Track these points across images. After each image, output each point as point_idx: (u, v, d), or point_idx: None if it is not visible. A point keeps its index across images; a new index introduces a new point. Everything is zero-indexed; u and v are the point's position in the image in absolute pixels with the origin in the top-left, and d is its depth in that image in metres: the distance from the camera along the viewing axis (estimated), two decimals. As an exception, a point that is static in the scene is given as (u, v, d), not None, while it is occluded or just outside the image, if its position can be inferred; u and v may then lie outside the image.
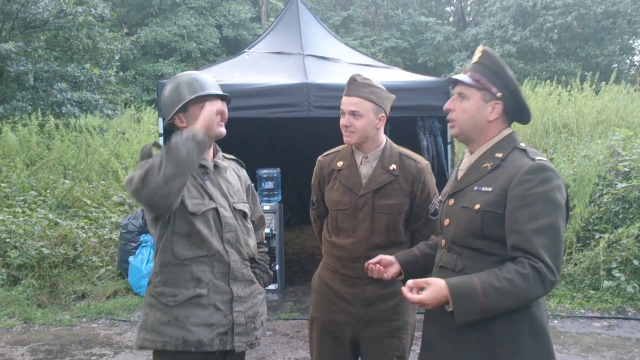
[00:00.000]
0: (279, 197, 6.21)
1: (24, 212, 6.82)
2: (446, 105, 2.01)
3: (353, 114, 2.45)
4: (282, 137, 7.97)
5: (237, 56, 6.53)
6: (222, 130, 2.24)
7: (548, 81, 12.72)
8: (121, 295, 5.88)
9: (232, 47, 21.83)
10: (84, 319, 5.25)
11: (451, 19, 27.35)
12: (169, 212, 2.16)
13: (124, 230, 6.28)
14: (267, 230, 5.91)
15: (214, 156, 2.38)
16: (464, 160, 2.05)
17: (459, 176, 2.02)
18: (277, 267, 5.95)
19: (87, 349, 4.57)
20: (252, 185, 2.57)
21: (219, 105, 2.21)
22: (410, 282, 1.84)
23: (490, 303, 1.74)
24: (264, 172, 6.17)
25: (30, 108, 9.90)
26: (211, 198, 2.24)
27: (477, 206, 1.87)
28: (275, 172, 6.20)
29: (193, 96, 2.21)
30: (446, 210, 2.01)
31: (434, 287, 1.79)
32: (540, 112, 9.61)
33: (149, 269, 5.87)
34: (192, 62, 20.65)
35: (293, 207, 8.26)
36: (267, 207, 5.99)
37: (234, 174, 2.45)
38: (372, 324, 2.51)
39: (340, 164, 2.58)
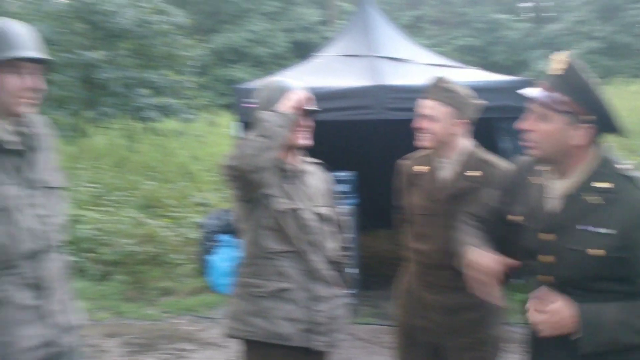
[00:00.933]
0: (355, 201, 6.25)
1: (112, 211, 7.22)
2: (524, 125, 1.80)
3: (428, 117, 2.45)
4: (357, 139, 8.02)
5: (308, 60, 6.63)
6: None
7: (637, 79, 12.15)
8: (202, 292, 6.11)
9: (301, 50, 22.08)
10: (169, 315, 5.51)
11: (527, 15, 26.55)
12: (260, 188, 2.26)
13: (203, 230, 6.53)
14: (342, 234, 5.96)
15: (298, 160, 2.46)
16: (552, 185, 1.83)
17: (550, 205, 1.81)
18: (353, 271, 5.98)
19: (172, 343, 4.80)
20: (336, 190, 2.62)
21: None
22: (539, 293, 1.71)
23: (625, 339, 1.64)
24: (339, 175, 6.22)
25: (116, 113, 10.43)
26: (294, 199, 2.33)
27: (599, 252, 1.67)
28: (350, 175, 6.25)
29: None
30: (544, 246, 1.79)
31: (561, 314, 1.65)
32: (629, 111, 9.18)
33: (228, 268, 6.08)
34: (263, 66, 21.06)
35: (368, 210, 8.27)
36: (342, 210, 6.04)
37: (317, 178, 2.52)
38: (454, 333, 2.48)
39: (420, 168, 2.58)
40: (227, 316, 2.40)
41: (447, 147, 2.50)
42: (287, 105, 2.24)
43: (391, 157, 7.46)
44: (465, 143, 2.54)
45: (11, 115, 1.85)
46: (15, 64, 1.80)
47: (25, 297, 1.86)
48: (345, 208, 5.96)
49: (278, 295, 2.27)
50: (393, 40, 6.62)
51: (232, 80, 19.76)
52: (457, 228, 2.39)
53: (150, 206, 7.94)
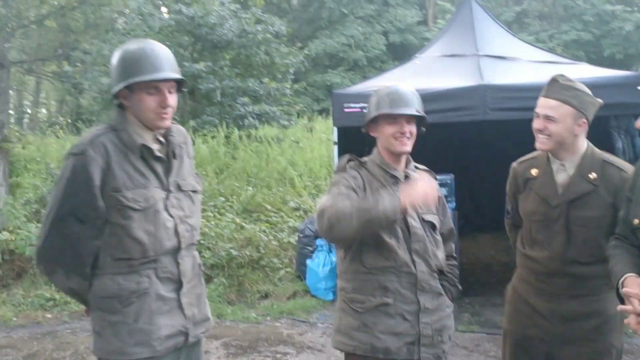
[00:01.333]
0: (453, 204, 6.07)
1: (214, 216, 7.48)
2: None
3: (548, 118, 2.28)
4: (455, 141, 7.80)
5: (408, 62, 6.54)
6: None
7: None
8: (300, 296, 6.17)
9: (399, 53, 21.90)
10: (268, 318, 5.60)
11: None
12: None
13: (301, 235, 6.59)
14: (439, 238, 5.80)
15: (406, 166, 2.39)
16: None
17: None
18: (452, 276, 5.81)
19: (272, 346, 4.86)
20: (443, 197, 2.53)
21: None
22: None
23: None
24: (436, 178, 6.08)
25: (217, 121, 10.83)
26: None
27: None
28: (448, 178, 6.08)
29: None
30: None
31: None
32: None
33: (326, 272, 6.10)
34: (360, 70, 21.12)
35: (467, 214, 8.03)
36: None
37: (425, 184, 2.43)
38: (570, 343, 2.34)
39: (534, 172, 2.42)
40: (334, 329, 2.39)
41: (565, 148, 2.33)
42: (405, 202, 2.09)
43: (492, 159, 7.24)
44: (583, 144, 2.37)
45: (152, 128, 2.07)
46: (153, 85, 1.99)
47: (164, 289, 2.06)
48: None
49: (382, 310, 2.23)
50: (497, 38, 6.39)
51: (329, 86, 19.98)
52: (571, 234, 2.28)
53: (249, 211, 8.15)
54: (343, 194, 2.16)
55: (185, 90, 2.20)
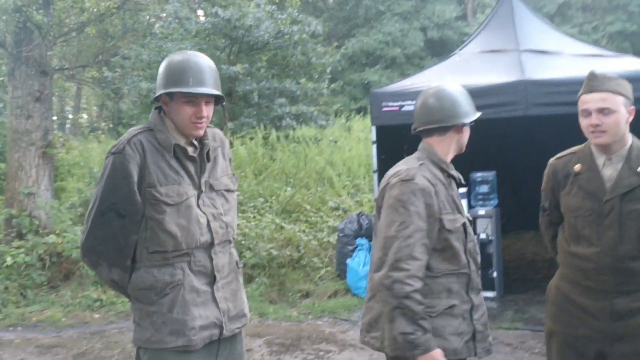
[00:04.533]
0: (495, 201, 5.98)
1: (254, 217, 7.54)
2: None
3: (602, 111, 2.22)
4: (496, 138, 7.68)
5: (448, 59, 6.46)
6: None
7: None
8: (341, 295, 6.18)
9: (437, 48, 21.65)
10: (310, 317, 5.62)
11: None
12: None
13: (341, 234, 6.59)
14: (483, 236, 5.74)
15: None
16: None
17: None
18: (494, 274, 5.73)
19: (314, 344, 4.87)
20: None
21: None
22: None
23: None
24: (478, 175, 6.00)
25: (255, 123, 10.90)
26: (460, 212, 2.28)
27: None
28: (490, 175, 6.00)
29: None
30: None
31: None
32: None
33: (366, 271, 6.08)
34: (397, 67, 20.94)
35: (510, 211, 7.90)
36: (482, 211, 5.82)
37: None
38: (624, 339, 2.27)
39: (578, 167, 2.36)
40: (391, 337, 2.19)
41: (618, 140, 2.28)
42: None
43: (535, 155, 7.09)
44: (629, 136, 2.33)
45: (186, 135, 2.16)
46: (191, 96, 2.09)
47: (198, 282, 2.14)
48: (483, 209, 5.78)
49: (448, 312, 2.22)
50: (538, 32, 6.26)
51: (366, 84, 19.87)
52: (624, 228, 2.23)
53: (289, 211, 8.19)
54: (418, 260, 2.07)
55: (223, 104, 2.27)
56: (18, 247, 6.70)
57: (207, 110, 2.13)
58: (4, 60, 8.47)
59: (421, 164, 2.21)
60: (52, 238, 6.73)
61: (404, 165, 2.23)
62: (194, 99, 2.09)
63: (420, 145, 2.32)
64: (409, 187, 2.13)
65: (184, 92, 2.07)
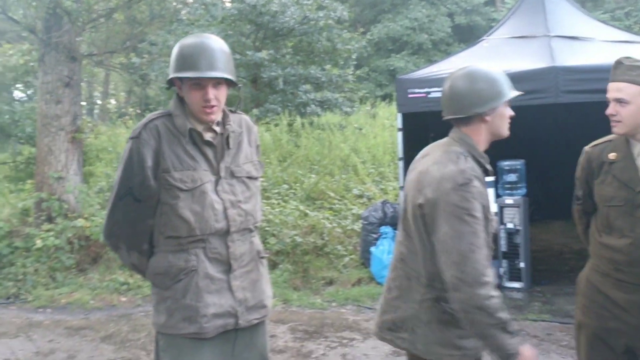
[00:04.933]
0: (524, 191, 5.90)
1: (278, 203, 7.56)
2: None
3: (618, 101, 2.21)
4: (525, 126, 7.52)
5: (475, 45, 6.36)
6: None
7: None
8: (365, 283, 6.17)
9: (465, 34, 21.34)
10: (334, 304, 5.63)
11: None
12: None
13: (365, 222, 6.57)
14: (510, 226, 5.67)
15: None
16: None
17: None
18: (522, 264, 5.67)
19: (338, 332, 4.88)
20: None
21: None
22: None
23: None
24: (506, 164, 5.92)
25: (280, 109, 10.89)
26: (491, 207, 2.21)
27: None
28: (518, 163, 5.92)
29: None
30: None
31: None
32: None
33: (390, 260, 6.05)
34: (424, 53, 20.70)
35: (538, 200, 7.78)
36: (510, 200, 5.75)
37: None
38: None
39: (612, 155, 2.32)
40: (424, 342, 2.09)
41: None
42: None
43: (564, 143, 6.97)
44: None
45: (200, 121, 2.13)
46: (196, 81, 2.06)
47: (212, 269, 2.11)
48: (511, 198, 5.70)
49: None
50: (569, 17, 6.14)
51: (392, 71, 19.69)
52: None
53: (313, 198, 8.19)
54: (490, 267, 1.94)
55: (239, 86, 2.24)
56: (48, 231, 6.82)
57: (216, 94, 2.09)
58: (35, 46, 8.58)
59: (467, 159, 2.03)
60: (80, 222, 6.84)
61: (451, 165, 1.99)
62: (200, 83, 2.06)
63: (456, 135, 2.12)
64: (469, 192, 1.94)
65: (185, 77, 2.06)
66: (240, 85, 2.26)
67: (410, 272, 2.10)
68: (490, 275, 1.93)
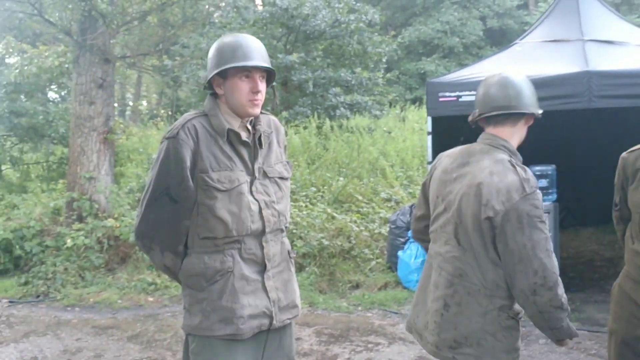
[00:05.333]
0: (554, 196, 5.78)
1: (306, 206, 7.56)
2: None
3: None
4: (557, 130, 7.41)
5: (508, 48, 6.27)
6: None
7: None
8: (391, 287, 6.13)
9: (497, 38, 21.11)
10: (360, 308, 5.60)
11: None
12: None
13: (392, 226, 6.52)
14: (540, 231, 5.57)
15: None
16: None
17: None
18: (552, 271, 5.56)
19: (363, 336, 4.85)
20: None
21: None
22: None
23: None
24: (537, 169, 5.80)
25: (309, 112, 10.91)
26: None
27: None
28: (549, 169, 5.80)
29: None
30: None
31: None
32: None
33: (417, 264, 6.00)
34: (455, 57, 20.54)
35: (568, 206, 7.63)
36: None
37: None
38: None
39: None
40: (495, 353, 2.13)
41: None
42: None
43: (597, 149, 6.82)
44: None
45: (243, 115, 2.15)
46: (245, 71, 2.09)
47: (248, 270, 2.12)
48: (544, 204, 5.60)
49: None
50: (603, 21, 6.01)
51: (422, 74, 19.58)
52: None
53: (340, 201, 8.16)
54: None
55: (274, 83, 2.26)
56: (78, 230, 6.95)
57: (262, 86, 2.13)
58: (69, 48, 8.75)
59: (524, 168, 2.08)
60: (110, 222, 6.94)
61: (512, 174, 2.04)
62: (249, 73, 2.09)
63: (495, 141, 2.15)
64: (537, 199, 2.02)
65: (238, 66, 2.07)
66: (274, 83, 2.32)
67: (471, 286, 2.09)
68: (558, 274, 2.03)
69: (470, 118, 2.24)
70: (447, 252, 2.16)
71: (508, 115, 2.14)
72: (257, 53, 2.11)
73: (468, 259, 2.09)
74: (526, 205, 1.97)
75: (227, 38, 2.16)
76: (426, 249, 2.37)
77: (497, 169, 2.04)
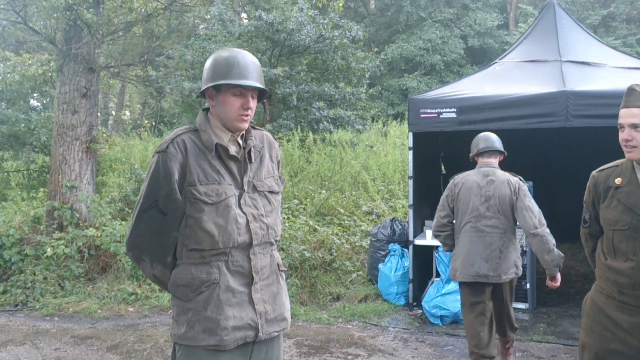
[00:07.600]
0: (531, 212, 5.91)
1: (288, 218, 7.60)
2: None
3: (635, 126, 2.24)
4: (534, 148, 7.59)
5: (488, 67, 6.42)
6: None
7: None
8: (371, 300, 6.18)
9: (477, 56, 21.46)
10: (340, 320, 5.64)
11: None
12: None
13: (373, 239, 6.59)
14: (517, 246, 5.69)
15: None
16: None
17: None
18: (527, 285, 5.67)
19: (343, 348, 4.90)
20: None
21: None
22: None
23: None
24: (515, 185, 5.95)
25: (293, 125, 10.99)
26: None
27: None
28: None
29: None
30: None
31: None
32: None
33: (397, 277, 6.07)
34: (436, 74, 20.83)
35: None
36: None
37: None
38: None
39: (618, 180, 2.36)
40: (508, 267, 3.98)
41: None
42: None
43: (573, 167, 6.99)
44: None
45: (232, 129, 2.20)
46: (239, 88, 2.15)
47: (234, 282, 2.14)
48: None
49: None
50: (581, 43, 6.20)
51: (404, 90, 19.80)
52: None
53: (322, 214, 8.23)
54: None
55: (265, 101, 2.32)
56: (58, 239, 6.91)
57: (253, 104, 2.18)
58: (54, 57, 8.74)
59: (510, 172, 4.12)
60: (91, 231, 6.92)
61: (512, 176, 4.04)
62: (242, 91, 2.14)
63: (496, 169, 4.09)
64: (525, 186, 4.07)
65: (232, 83, 2.12)
66: (266, 98, 2.36)
67: (511, 237, 4.01)
68: None
69: (470, 155, 4.18)
70: (495, 223, 3.95)
71: (494, 151, 4.09)
72: (252, 72, 2.16)
73: (508, 224, 3.97)
74: (523, 187, 4.00)
75: (225, 53, 2.20)
76: (442, 242, 4.20)
77: (506, 175, 4.04)
